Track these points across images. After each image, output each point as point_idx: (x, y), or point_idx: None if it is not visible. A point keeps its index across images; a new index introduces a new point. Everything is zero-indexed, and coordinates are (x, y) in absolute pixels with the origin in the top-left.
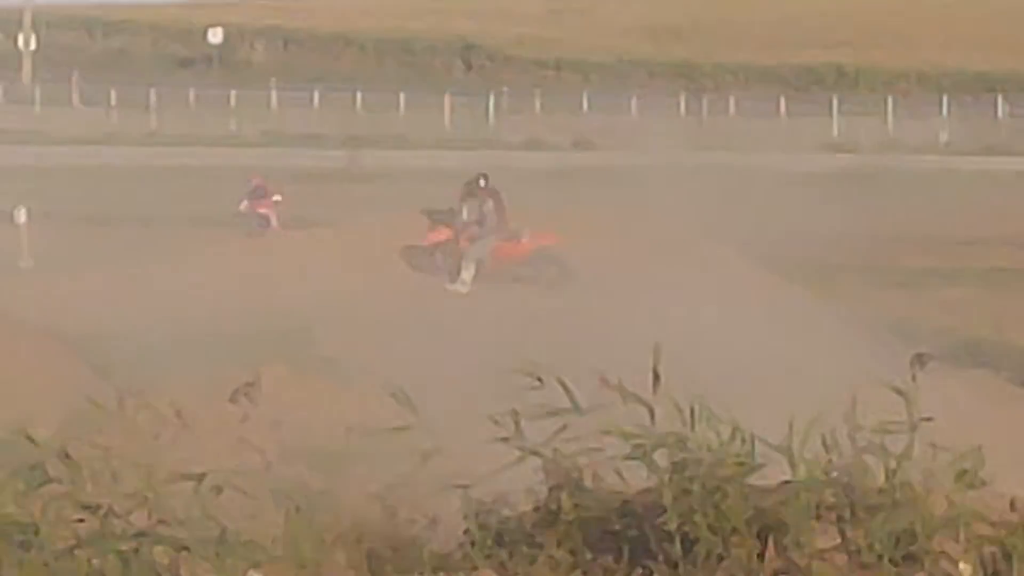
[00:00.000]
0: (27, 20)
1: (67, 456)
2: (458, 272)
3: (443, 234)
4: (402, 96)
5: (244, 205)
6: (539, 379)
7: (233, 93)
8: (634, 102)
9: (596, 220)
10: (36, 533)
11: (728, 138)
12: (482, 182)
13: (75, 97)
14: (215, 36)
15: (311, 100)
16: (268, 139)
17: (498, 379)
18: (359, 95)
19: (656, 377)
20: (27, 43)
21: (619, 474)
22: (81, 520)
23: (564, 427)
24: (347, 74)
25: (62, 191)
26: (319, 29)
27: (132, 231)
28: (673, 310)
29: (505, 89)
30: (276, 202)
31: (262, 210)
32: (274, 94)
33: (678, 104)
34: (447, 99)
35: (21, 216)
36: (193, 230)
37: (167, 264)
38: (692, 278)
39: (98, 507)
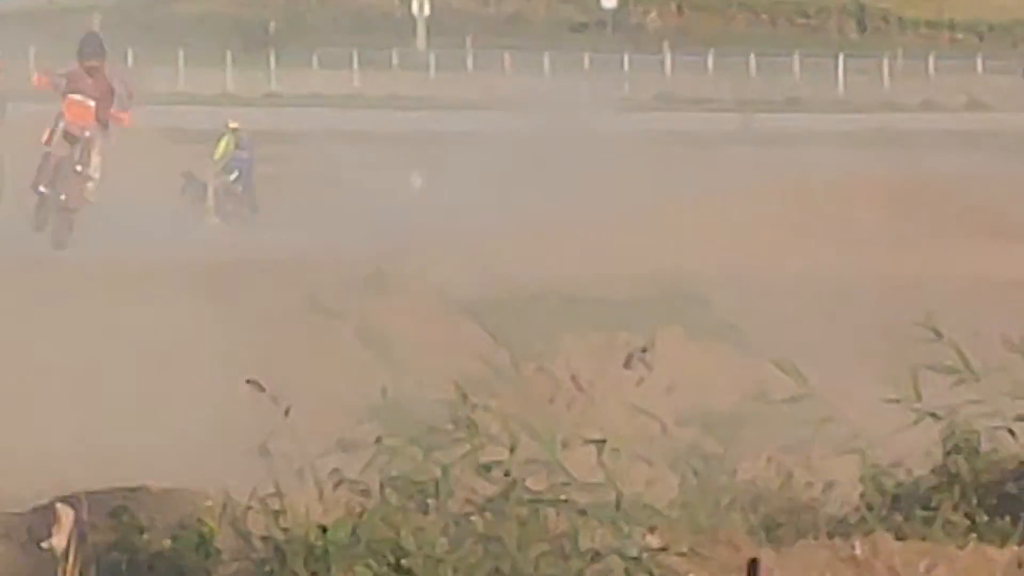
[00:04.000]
0: None
1: (466, 420)
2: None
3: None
4: (796, 59)
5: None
6: (937, 334)
7: (626, 57)
8: None
9: (994, 183)
10: (436, 495)
11: None
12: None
13: (469, 62)
14: (609, 0)
15: (705, 64)
16: (661, 103)
17: (893, 341)
18: (752, 58)
19: None
20: (421, 9)
21: (1012, 434)
22: (479, 483)
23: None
24: (740, 37)
25: (456, 156)
26: None
27: (522, 196)
28: None
29: (899, 51)
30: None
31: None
32: (667, 58)
33: None
34: (841, 61)
35: (417, 181)
36: (585, 196)
37: (554, 228)
38: None
39: (496, 470)
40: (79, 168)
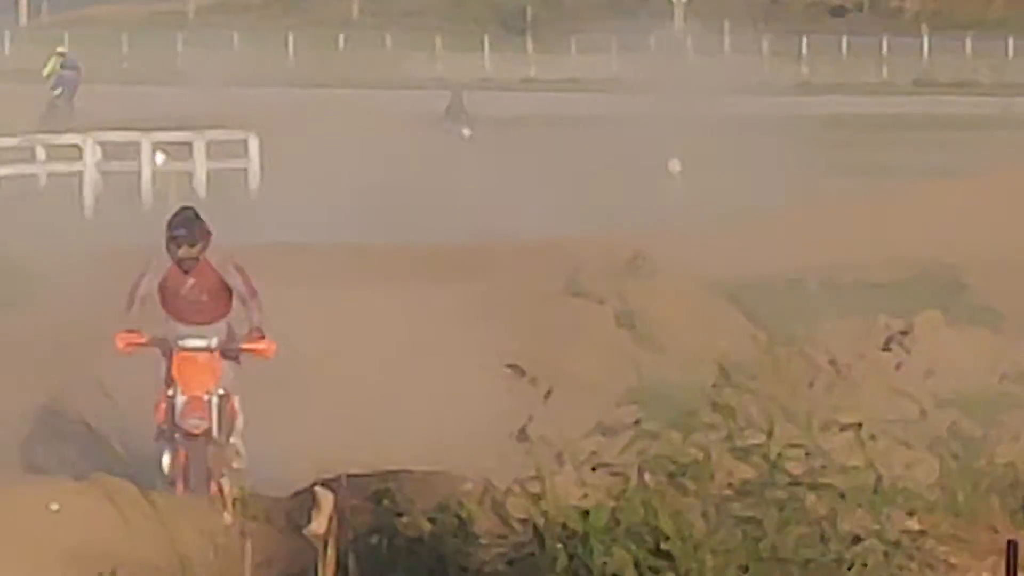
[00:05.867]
0: None
1: (724, 403)
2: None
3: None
4: None
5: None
6: None
7: (884, 40)
8: None
9: None
10: (695, 479)
11: None
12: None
13: (726, 45)
14: None
15: (963, 47)
16: (919, 87)
17: None
18: (1010, 41)
19: None
20: None
21: None
22: (737, 467)
23: None
24: (998, 20)
25: (714, 140)
26: None
27: (780, 179)
28: None
29: None
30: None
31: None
32: (925, 41)
33: None
34: None
35: (675, 166)
36: (842, 180)
37: (814, 212)
38: None
39: (755, 454)
40: (220, 443)
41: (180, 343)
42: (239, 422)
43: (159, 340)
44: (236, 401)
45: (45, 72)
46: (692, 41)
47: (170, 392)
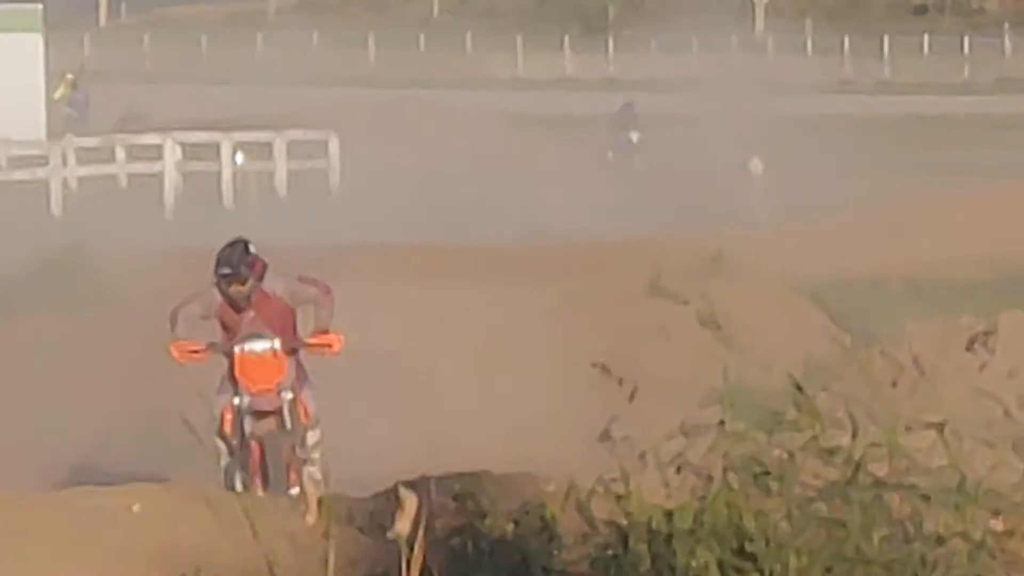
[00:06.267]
0: None
1: (808, 405)
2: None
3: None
4: None
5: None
6: None
7: (966, 40)
8: None
9: None
10: (779, 480)
11: None
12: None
13: (808, 45)
14: None
15: None
16: (1001, 86)
17: None
18: None
19: None
20: None
21: None
22: (821, 468)
23: None
24: None
25: (795, 140)
26: None
27: (861, 179)
28: None
29: None
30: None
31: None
32: (1007, 40)
33: None
34: None
35: (757, 167)
36: (923, 178)
37: (897, 212)
38: None
39: (839, 455)
40: (295, 451)
41: (241, 347)
42: (313, 435)
43: (218, 344)
44: (311, 411)
45: (56, 96)
46: (773, 41)
47: (235, 400)
